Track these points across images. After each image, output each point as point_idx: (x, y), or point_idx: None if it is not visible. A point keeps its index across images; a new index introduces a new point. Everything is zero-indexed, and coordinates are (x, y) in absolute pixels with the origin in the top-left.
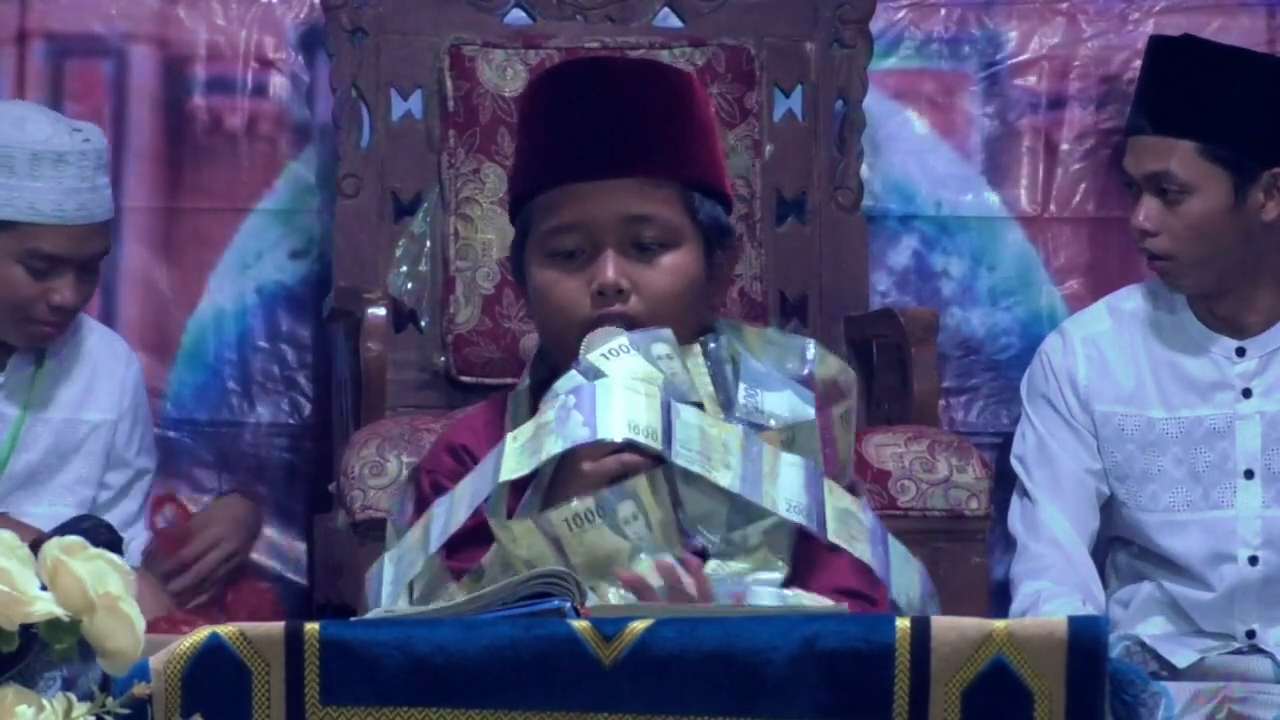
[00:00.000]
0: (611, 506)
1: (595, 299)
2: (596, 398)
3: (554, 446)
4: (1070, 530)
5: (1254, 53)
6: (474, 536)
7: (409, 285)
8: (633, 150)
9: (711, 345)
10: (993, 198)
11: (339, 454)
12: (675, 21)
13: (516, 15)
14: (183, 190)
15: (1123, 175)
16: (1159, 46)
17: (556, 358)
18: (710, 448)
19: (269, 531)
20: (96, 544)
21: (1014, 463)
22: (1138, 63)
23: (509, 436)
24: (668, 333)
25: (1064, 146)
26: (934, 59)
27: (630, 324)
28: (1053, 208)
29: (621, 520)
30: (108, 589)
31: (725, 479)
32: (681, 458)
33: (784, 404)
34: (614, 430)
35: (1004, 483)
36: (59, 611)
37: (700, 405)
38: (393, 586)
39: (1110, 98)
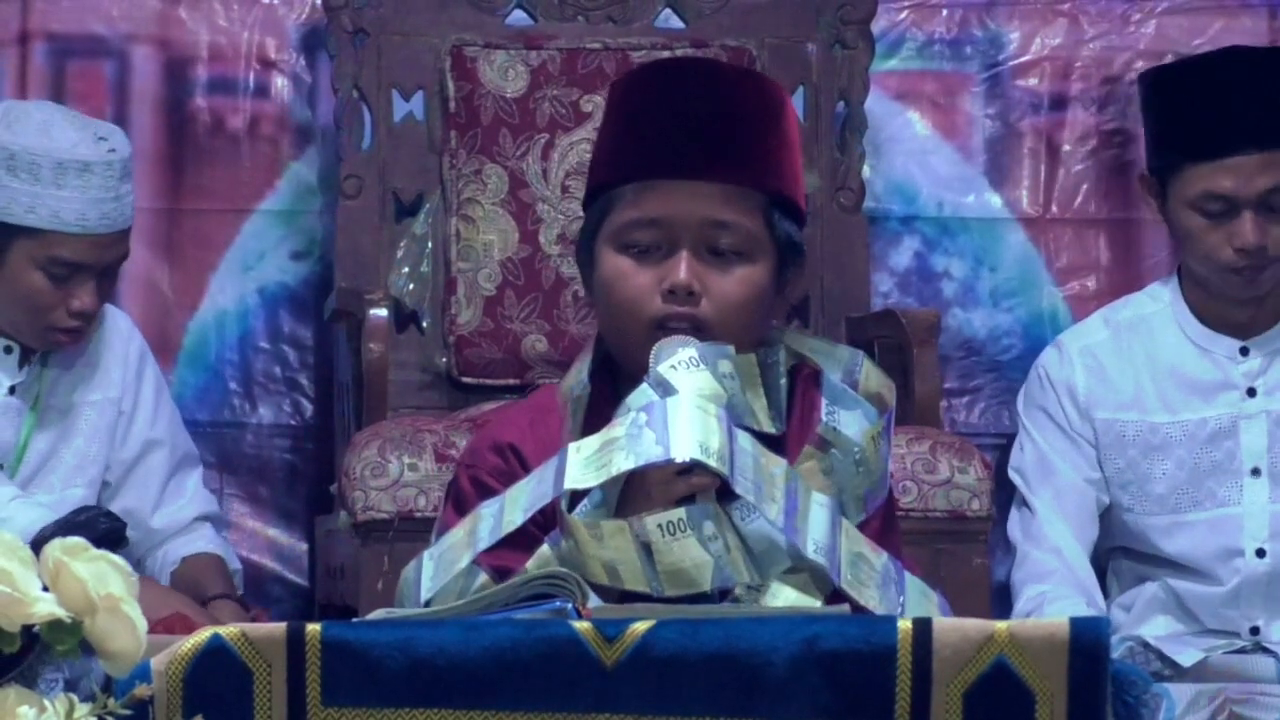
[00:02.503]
0: (698, 521)
1: (665, 297)
2: (669, 416)
3: (625, 463)
4: (1071, 539)
5: (1270, 48)
6: (511, 540)
7: (410, 286)
8: (723, 155)
9: (769, 360)
10: (994, 199)
11: (340, 455)
12: (677, 22)
13: (518, 16)
14: (184, 191)
15: (1206, 204)
16: (1219, 62)
17: (617, 353)
18: (762, 478)
19: (271, 532)
20: (96, 533)
21: (1012, 475)
22: (1139, 64)
23: (571, 447)
24: (730, 350)
25: (1066, 147)
26: (936, 60)
27: (697, 326)
28: (1054, 209)
29: (706, 537)
30: (109, 590)
31: (772, 512)
32: (739, 485)
33: (855, 424)
34: (685, 450)
35: (1005, 484)
36: (61, 613)
37: (754, 429)
38: (433, 583)
39: (1112, 99)
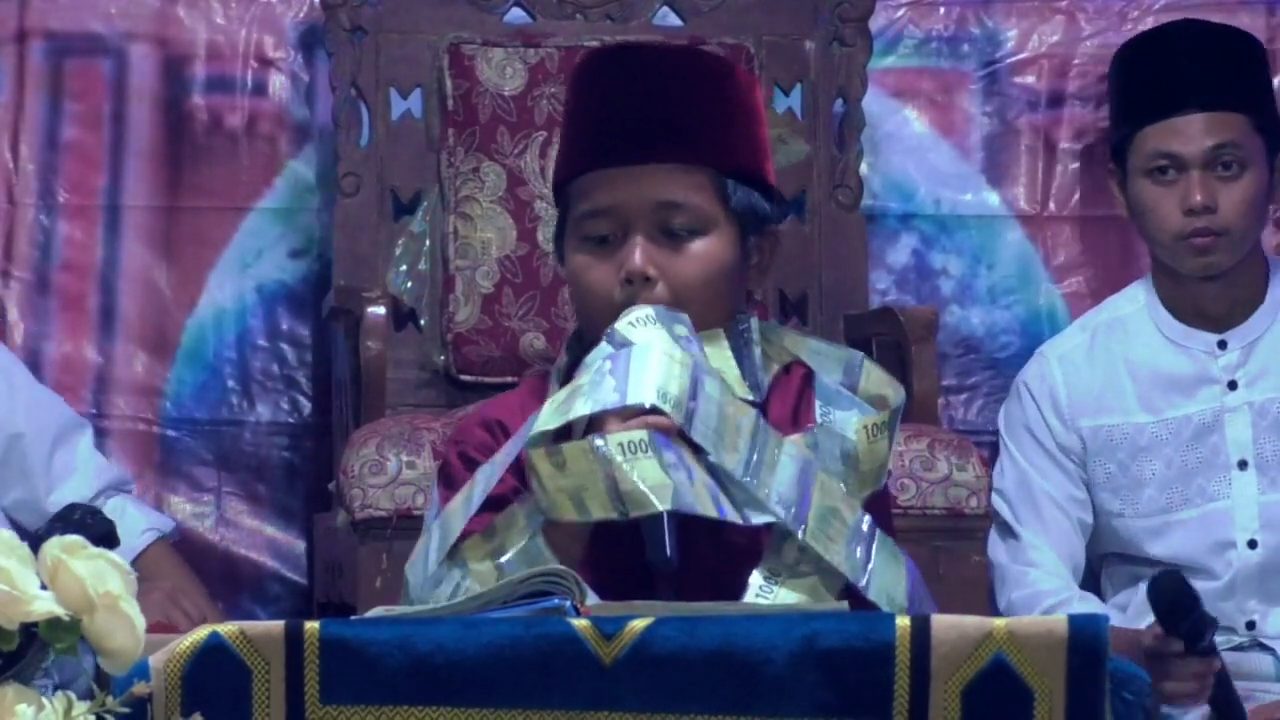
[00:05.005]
0: (658, 448)
1: (623, 285)
2: (632, 362)
3: (583, 407)
4: (1060, 565)
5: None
6: (492, 503)
7: (408, 284)
8: (664, 136)
9: (741, 328)
10: (992, 196)
11: (339, 453)
12: (675, 20)
13: (516, 14)
14: (182, 189)
15: (1156, 164)
16: (1181, 28)
17: (591, 339)
18: (725, 427)
19: (269, 530)
20: (90, 534)
21: (995, 498)
22: None
23: (549, 400)
24: (685, 317)
25: (1063, 145)
26: (933, 57)
27: None
28: (1052, 206)
29: (667, 463)
30: (108, 588)
31: (731, 462)
32: (697, 433)
33: (852, 422)
34: (644, 395)
35: None
36: (59, 611)
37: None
38: (437, 553)
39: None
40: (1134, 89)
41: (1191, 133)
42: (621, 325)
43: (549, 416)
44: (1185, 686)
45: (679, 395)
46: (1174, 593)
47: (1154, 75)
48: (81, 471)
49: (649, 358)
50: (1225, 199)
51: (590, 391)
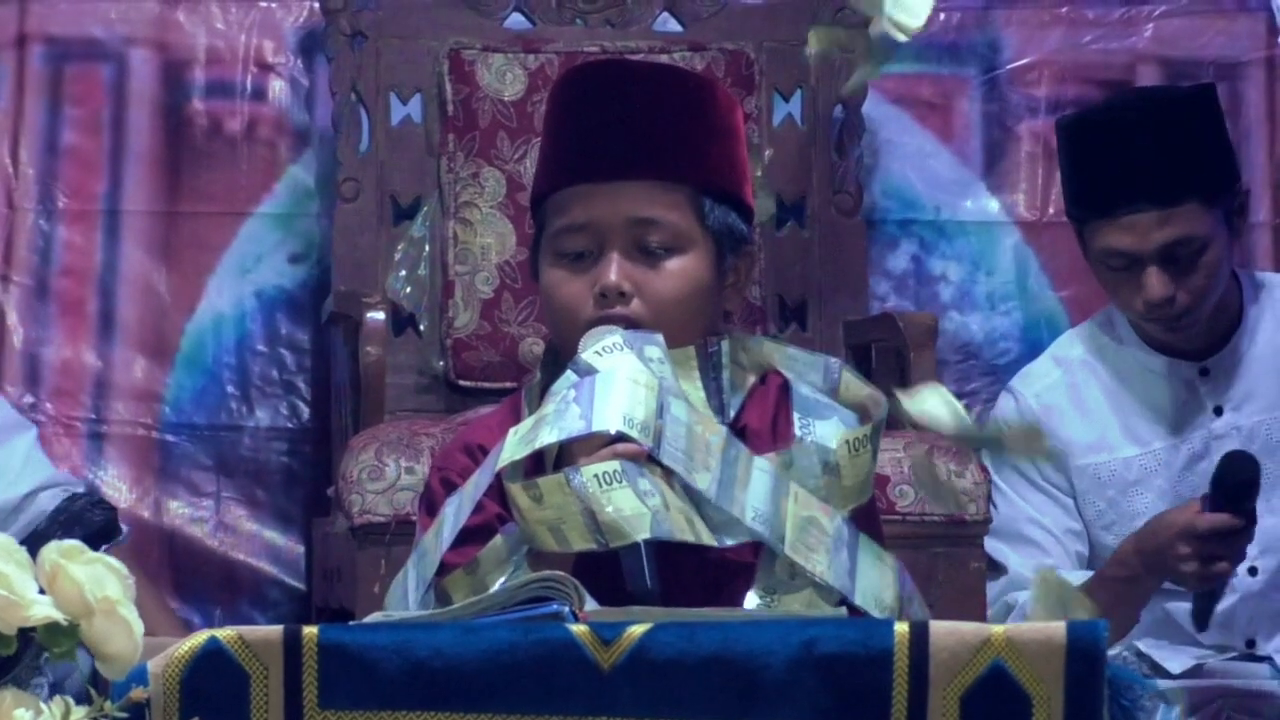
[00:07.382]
0: (632, 477)
1: (598, 300)
2: (596, 390)
3: (548, 436)
4: None
5: (1171, 90)
6: (474, 534)
7: (408, 289)
8: (642, 153)
9: (711, 350)
10: (992, 202)
11: (337, 458)
12: (675, 26)
13: (516, 19)
14: (182, 194)
15: (1109, 260)
16: (1126, 109)
17: (564, 356)
18: (695, 447)
19: (268, 535)
20: (91, 528)
21: (989, 541)
22: (1139, 67)
23: (511, 430)
24: (659, 337)
25: None
26: (933, 63)
27: (631, 327)
28: (1051, 212)
29: (642, 491)
30: (106, 593)
31: (703, 482)
32: (667, 455)
33: (833, 431)
34: (609, 422)
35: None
36: (57, 615)
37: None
38: (416, 591)
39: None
40: (1083, 175)
41: (1143, 230)
42: (588, 355)
43: (514, 447)
44: (1235, 563)
45: (645, 419)
46: (1249, 472)
47: (1102, 165)
48: (19, 473)
49: (613, 384)
50: (1185, 286)
51: (555, 420)
